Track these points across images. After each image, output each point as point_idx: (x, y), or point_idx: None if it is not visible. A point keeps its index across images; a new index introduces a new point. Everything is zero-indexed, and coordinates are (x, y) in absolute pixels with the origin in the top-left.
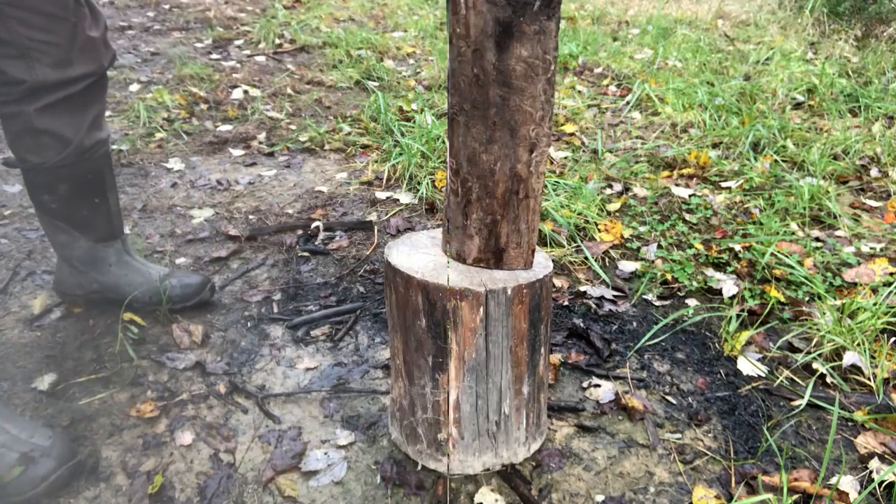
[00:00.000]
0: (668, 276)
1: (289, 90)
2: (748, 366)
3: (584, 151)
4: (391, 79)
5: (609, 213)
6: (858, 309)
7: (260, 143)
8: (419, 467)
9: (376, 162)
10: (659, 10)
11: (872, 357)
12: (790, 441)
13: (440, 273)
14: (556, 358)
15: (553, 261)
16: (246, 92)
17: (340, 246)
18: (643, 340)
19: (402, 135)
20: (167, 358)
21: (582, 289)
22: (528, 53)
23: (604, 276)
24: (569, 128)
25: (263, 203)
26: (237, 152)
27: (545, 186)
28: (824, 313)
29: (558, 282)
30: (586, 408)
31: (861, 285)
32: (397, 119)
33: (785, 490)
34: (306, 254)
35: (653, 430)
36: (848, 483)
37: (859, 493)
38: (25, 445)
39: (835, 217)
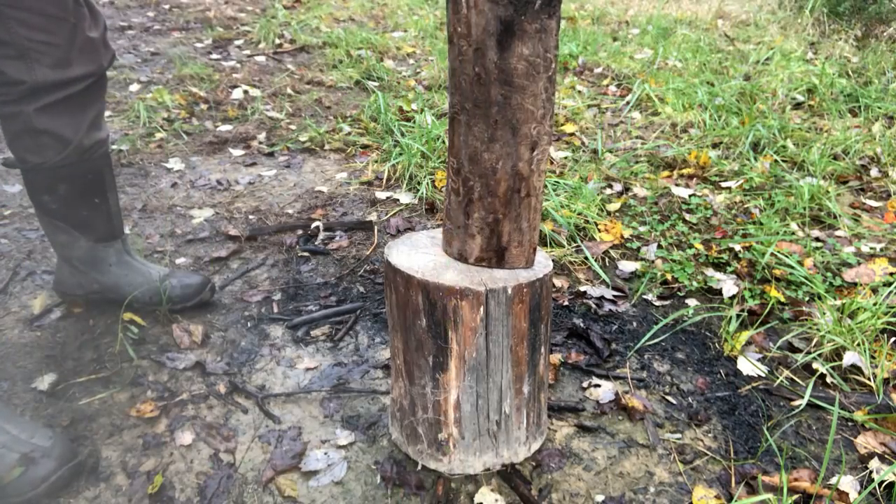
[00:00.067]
0: (668, 276)
1: (289, 90)
2: (748, 366)
3: (584, 151)
4: (391, 79)
5: (609, 213)
6: (858, 309)
7: (260, 143)
8: (419, 467)
9: (376, 162)
10: (659, 10)
11: (872, 357)
12: (790, 441)
13: (440, 273)
14: (556, 358)
15: (553, 261)
16: (246, 92)
17: (340, 246)
18: (643, 340)
19: (402, 135)
20: (167, 358)
21: (582, 289)
22: (530, 52)
23: (604, 276)
24: (569, 128)
25: (263, 203)
26: (237, 152)
27: (545, 186)
28: (824, 313)
29: (558, 282)
30: (586, 408)
31: (861, 285)
32: (397, 119)
33: (785, 490)
34: (306, 254)
35: (653, 430)
36: (848, 483)
37: (859, 493)
38: (26, 446)
39: (835, 217)
